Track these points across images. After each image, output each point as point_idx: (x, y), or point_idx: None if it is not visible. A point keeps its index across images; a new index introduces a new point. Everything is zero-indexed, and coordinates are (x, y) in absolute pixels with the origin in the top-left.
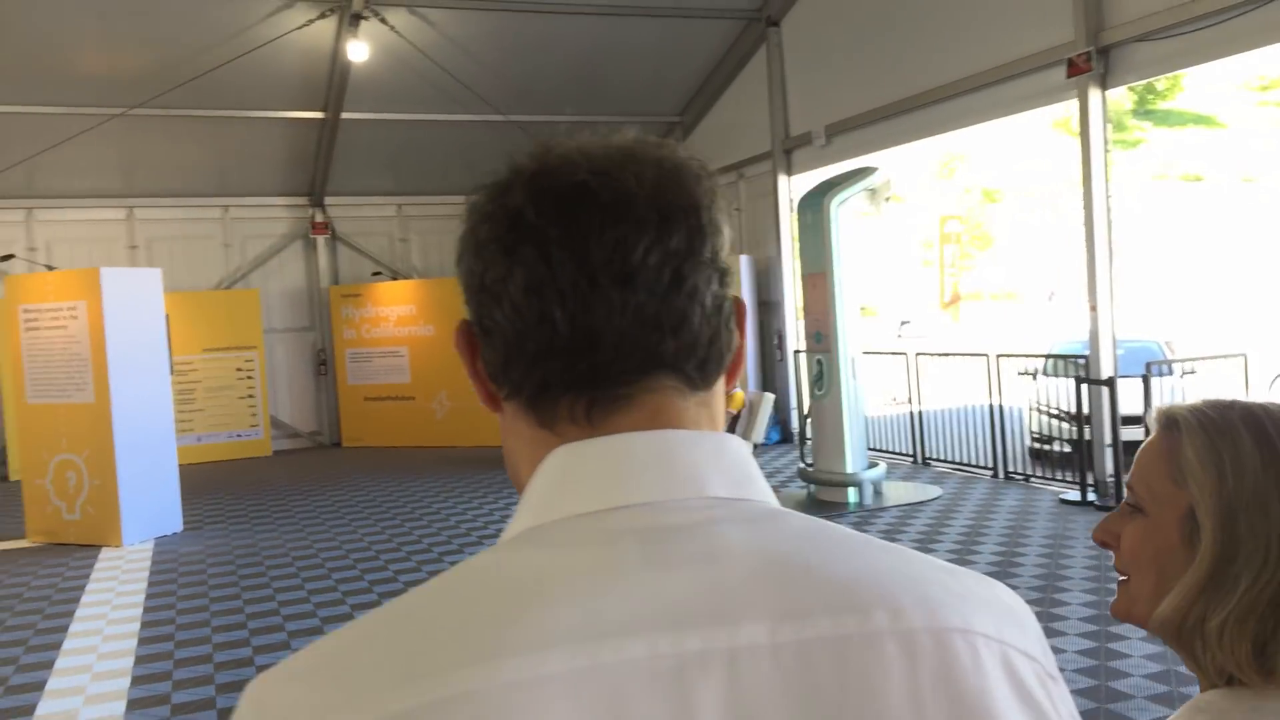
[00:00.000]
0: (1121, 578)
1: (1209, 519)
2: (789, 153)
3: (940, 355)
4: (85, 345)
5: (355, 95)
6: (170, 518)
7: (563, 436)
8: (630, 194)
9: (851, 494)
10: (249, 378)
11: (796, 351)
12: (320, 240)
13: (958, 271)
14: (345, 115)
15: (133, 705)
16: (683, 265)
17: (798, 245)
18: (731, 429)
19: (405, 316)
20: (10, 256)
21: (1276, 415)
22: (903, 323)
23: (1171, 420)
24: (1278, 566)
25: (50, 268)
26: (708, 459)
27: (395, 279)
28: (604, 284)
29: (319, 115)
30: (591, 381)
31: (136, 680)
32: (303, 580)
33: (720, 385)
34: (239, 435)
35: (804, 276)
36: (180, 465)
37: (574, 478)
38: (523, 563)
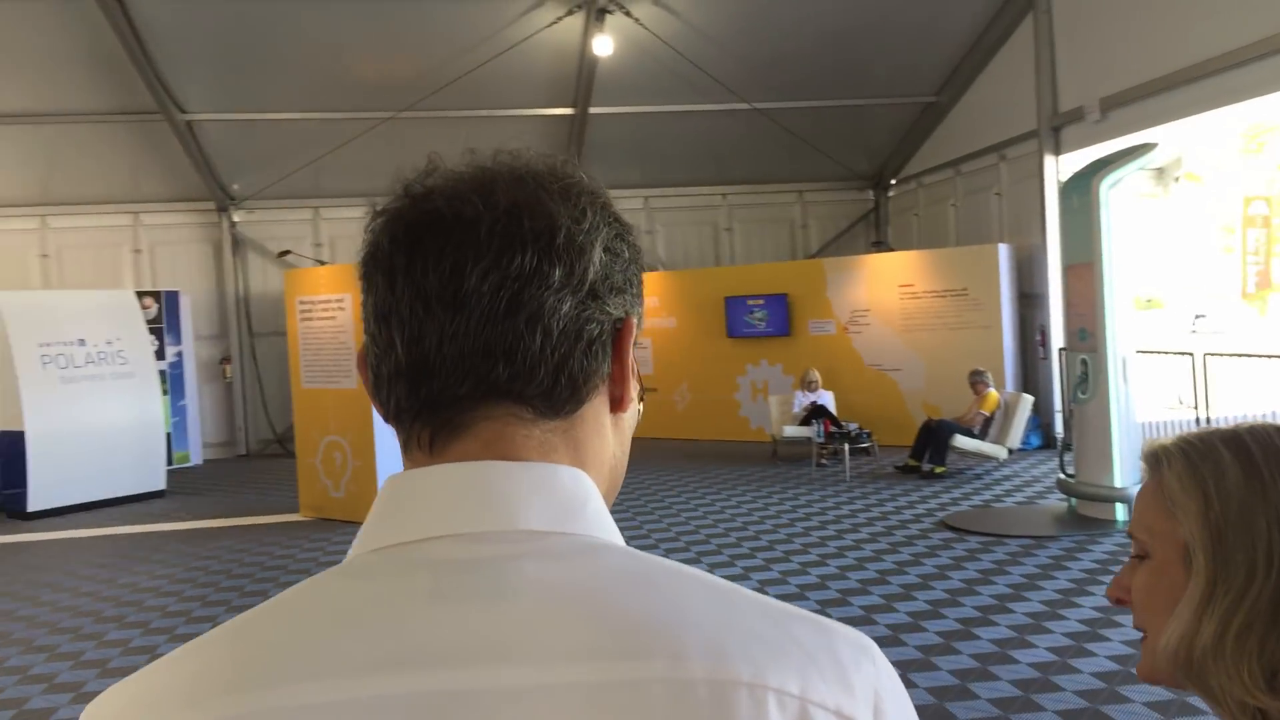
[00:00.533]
0: (1142, 635)
1: (1199, 543)
2: (1057, 130)
3: (1234, 356)
4: (350, 335)
5: (602, 90)
6: None
7: (414, 463)
8: (475, 218)
9: (1119, 511)
10: None
11: (1061, 349)
12: None
13: (1264, 259)
14: (593, 110)
15: None
16: (524, 289)
17: (1061, 232)
18: (984, 432)
19: (650, 308)
20: (287, 252)
21: (1259, 432)
22: (1197, 316)
23: (1155, 456)
24: (1265, 578)
25: (321, 262)
26: (528, 490)
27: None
28: (436, 310)
29: (569, 111)
30: (432, 408)
31: None
32: None
33: (593, 413)
34: None
35: (1066, 267)
36: None
37: (395, 508)
38: (326, 592)
